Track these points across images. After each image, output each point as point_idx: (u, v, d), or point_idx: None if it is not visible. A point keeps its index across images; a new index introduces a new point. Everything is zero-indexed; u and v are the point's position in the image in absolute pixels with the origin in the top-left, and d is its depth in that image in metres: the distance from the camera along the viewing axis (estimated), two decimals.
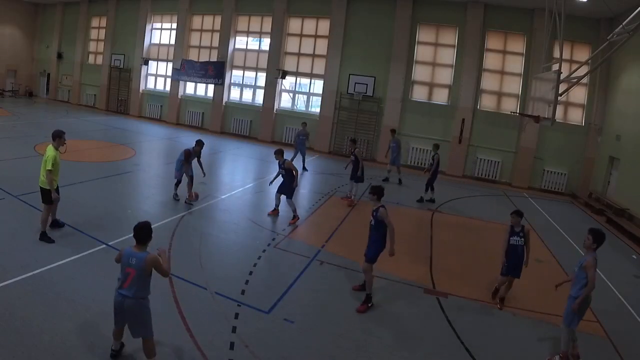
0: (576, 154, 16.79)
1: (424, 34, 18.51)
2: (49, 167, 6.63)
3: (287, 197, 9.41)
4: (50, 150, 6.74)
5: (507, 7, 17.08)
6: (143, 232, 4.13)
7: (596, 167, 16.19)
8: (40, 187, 6.89)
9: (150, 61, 24.75)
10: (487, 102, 17.97)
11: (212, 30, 22.72)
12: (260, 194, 11.72)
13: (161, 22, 24.61)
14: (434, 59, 18.49)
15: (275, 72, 20.34)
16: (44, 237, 6.78)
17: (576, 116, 17.12)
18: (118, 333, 4.36)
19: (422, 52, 18.56)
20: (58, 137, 6.92)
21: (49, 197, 6.79)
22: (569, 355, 5.25)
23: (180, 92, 23.54)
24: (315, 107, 20.56)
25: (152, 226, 4.25)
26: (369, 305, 6.02)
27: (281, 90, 21.06)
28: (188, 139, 19.73)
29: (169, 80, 24.03)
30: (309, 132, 16.25)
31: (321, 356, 4.92)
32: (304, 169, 15.26)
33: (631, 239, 11.35)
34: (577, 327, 5.25)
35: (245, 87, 22.39)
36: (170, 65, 23.91)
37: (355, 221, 10.07)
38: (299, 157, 15.48)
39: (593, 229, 5.23)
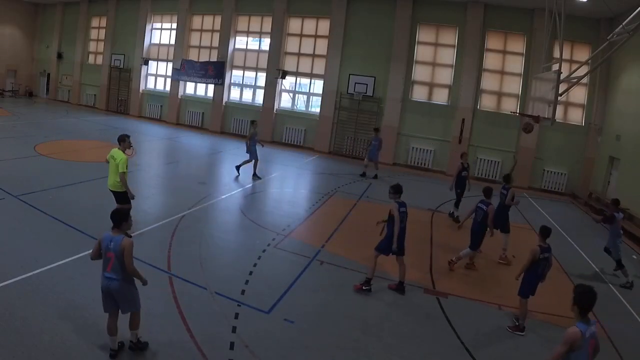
0: (576, 154, 16.78)
1: (424, 34, 18.50)
2: (123, 170, 6.97)
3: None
4: (120, 154, 7.08)
5: (507, 7, 17.07)
6: (116, 216, 4.43)
7: (596, 167, 16.19)
8: (112, 191, 7.25)
9: (150, 61, 24.74)
10: (487, 102, 17.97)
11: (212, 30, 22.72)
12: (260, 194, 11.72)
13: (161, 22, 24.60)
14: (434, 59, 18.49)
15: (275, 72, 20.34)
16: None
17: (576, 116, 17.12)
18: (112, 325, 4.37)
19: (422, 52, 18.55)
20: (122, 141, 7.23)
21: (124, 197, 7.18)
22: None
23: (180, 92, 23.54)
24: (315, 107, 20.55)
25: (129, 212, 4.71)
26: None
27: (281, 90, 21.06)
28: (188, 139, 19.77)
29: (169, 80, 24.02)
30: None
31: (321, 356, 4.92)
32: (257, 175, 13.01)
33: (631, 239, 11.35)
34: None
35: (245, 87, 22.38)
36: (170, 65, 23.90)
37: (355, 221, 10.07)
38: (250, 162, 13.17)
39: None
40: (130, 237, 4.58)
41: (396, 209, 6.52)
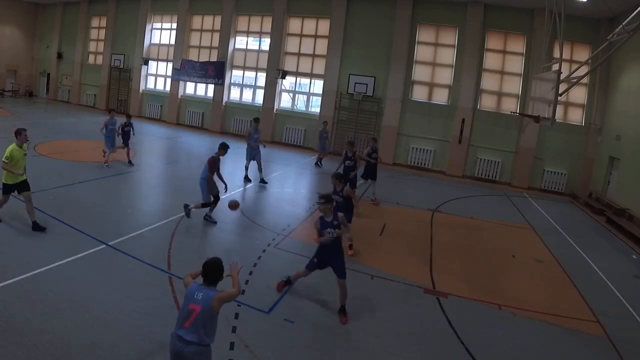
0: (576, 154, 16.79)
1: (424, 34, 18.51)
2: (4, 159, 6.92)
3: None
4: (10, 146, 7.06)
5: (507, 7, 17.08)
6: (212, 269, 3.61)
7: (596, 167, 16.19)
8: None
9: (150, 61, 24.76)
10: (487, 102, 17.98)
11: (212, 30, 22.73)
12: (260, 194, 11.71)
13: (161, 22, 24.61)
14: (434, 59, 18.49)
15: (275, 72, 20.34)
16: (37, 227, 7.15)
17: (576, 116, 17.12)
18: None
19: (422, 52, 18.56)
20: (18, 135, 7.15)
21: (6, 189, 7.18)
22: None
23: (180, 92, 23.55)
24: (315, 107, 20.56)
25: (219, 264, 3.70)
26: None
27: (281, 90, 21.06)
28: (188, 139, 19.76)
29: (169, 80, 24.04)
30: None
31: (321, 356, 4.91)
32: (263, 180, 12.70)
33: (631, 239, 11.34)
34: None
35: (245, 87, 22.39)
36: (170, 65, 23.92)
37: (355, 221, 10.05)
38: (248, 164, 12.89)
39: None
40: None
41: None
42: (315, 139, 19.89)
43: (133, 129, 12.94)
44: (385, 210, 11.43)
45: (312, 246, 8.10)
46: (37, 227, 7.15)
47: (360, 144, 19.25)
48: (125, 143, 12.72)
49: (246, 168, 12.78)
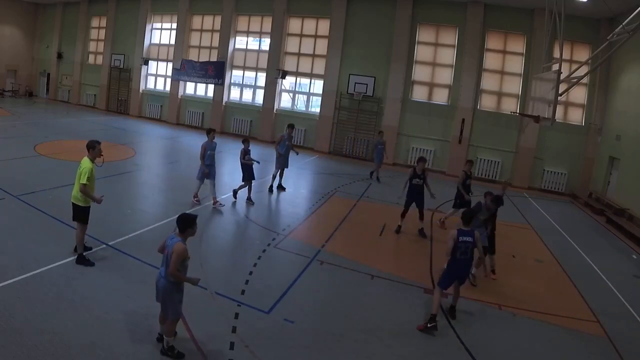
0: (576, 154, 16.79)
1: (424, 34, 18.50)
2: (84, 181, 5.98)
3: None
4: (85, 162, 6.12)
5: (507, 7, 17.08)
6: (180, 222, 4.47)
7: (596, 167, 16.19)
8: (73, 204, 6.22)
9: (150, 61, 24.75)
10: (487, 102, 17.98)
11: (212, 30, 22.73)
12: (261, 194, 11.70)
13: (161, 22, 24.61)
14: (434, 59, 18.49)
15: (275, 72, 20.34)
16: (82, 260, 6.22)
17: (576, 116, 17.12)
18: (161, 316, 4.62)
19: (422, 52, 18.55)
20: (92, 148, 6.22)
21: (82, 214, 6.23)
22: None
23: (180, 92, 23.55)
24: (315, 107, 20.56)
25: (195, 219, 4.51)
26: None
27: (281, 90, 21.07)
28: (188, 139, 19.74)
29: (169, 80, 24.04)
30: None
31: (321, 356, 4.91)
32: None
33: (631, 239, 11.34)
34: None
35: (245, 87, 22.39)
36: (170, 65, 23.91)
37: (355, 221, 10.07)
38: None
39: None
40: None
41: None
42: (319, 138, 19.94)
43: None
44: (385, 210, 11.42)
45: (312, 247, 8.13)
46: (81, 261, 6.21)
47: (359, 143, 19.29)
48: (250, 177, 10.30)
49: (274, 177, 12.01)
